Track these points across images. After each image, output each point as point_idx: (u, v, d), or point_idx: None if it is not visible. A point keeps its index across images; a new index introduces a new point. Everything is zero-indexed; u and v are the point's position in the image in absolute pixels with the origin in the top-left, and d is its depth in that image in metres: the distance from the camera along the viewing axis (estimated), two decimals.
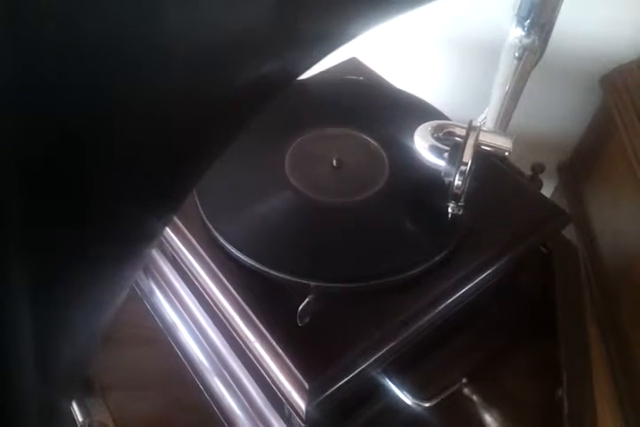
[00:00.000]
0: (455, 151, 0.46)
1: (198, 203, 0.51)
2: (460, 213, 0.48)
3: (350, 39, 0.25)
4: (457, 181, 0.45)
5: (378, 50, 0.83)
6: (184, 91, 0.16)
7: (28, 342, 0.17)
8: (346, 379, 0.43)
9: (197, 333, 0.60)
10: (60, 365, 0.18)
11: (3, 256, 0.15)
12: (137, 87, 0.14)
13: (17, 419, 0.18)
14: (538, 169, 0.59)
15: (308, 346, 0.44)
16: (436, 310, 0.47)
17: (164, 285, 0.63)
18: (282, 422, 0.51)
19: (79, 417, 0.56)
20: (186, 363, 0.61)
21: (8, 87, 0.13)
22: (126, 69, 0.14)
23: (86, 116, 0.14)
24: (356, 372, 0.44)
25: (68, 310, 0.18)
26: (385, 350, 0.45)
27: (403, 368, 0.50)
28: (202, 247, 0.50)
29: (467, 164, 0.44)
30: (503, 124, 0.54)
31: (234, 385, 0.56)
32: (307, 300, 0.44)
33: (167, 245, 0.53)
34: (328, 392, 0.43)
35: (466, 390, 0.56)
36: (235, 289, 0.47)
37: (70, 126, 0.14)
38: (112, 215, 0.18)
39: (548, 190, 0.89)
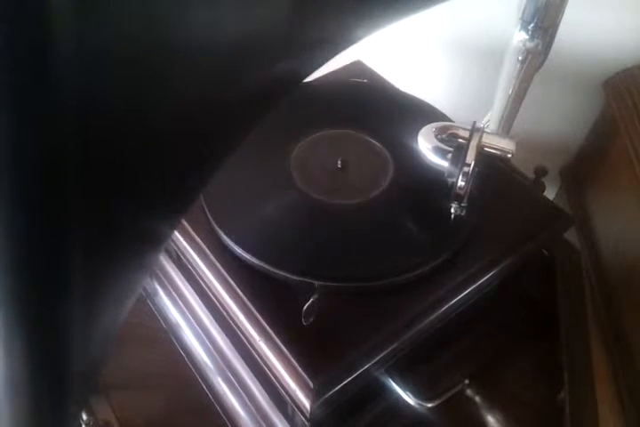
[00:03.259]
0: (458, 152, 0.46)
1: (204, 203, 0.52)
2: (463, 214, 0.48)
3: (357, 41, 0.25)
4: (460, 182, 0.45)
5: (382, 53, 0.84)
6: (203, 91, 0.17)
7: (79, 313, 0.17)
8: (350, 378, 0.43)
9: (201, 333, 0.60)
10: (89, 350, 0.19)
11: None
12: (168, 85, 0.15)
13: (64, 385, 0.18)
14: (541, 172, 0.60)
15: (312, 345, 0.44)
16: (439, 311, 0.48)
17: (167, 285, 0.63)
18: (285, 421, 0.52)
19: (83, 415, 0.56)
20: (189, 363, 0.61)
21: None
22: (158, 70, 0.14)
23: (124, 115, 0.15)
24: (361, 371, 0.44)
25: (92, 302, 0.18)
26: (389, 349, 0.45)
27: (406, 369, 0.51)
28: (207, 247, 0.50)
29: (470, 165, 0.45)
30: (506, 126, 0.54)
31: (237, 385, 0.57)
32: (311, 299, 0.44)
33: (172, 245, 0.53)
34: (333, 391, 0.43)
35: (468, 391, 0.56)
36: (240, 288, 0.48)
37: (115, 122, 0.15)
38: (122, 216, 0.18)
39: (550, 193, 0.89)
